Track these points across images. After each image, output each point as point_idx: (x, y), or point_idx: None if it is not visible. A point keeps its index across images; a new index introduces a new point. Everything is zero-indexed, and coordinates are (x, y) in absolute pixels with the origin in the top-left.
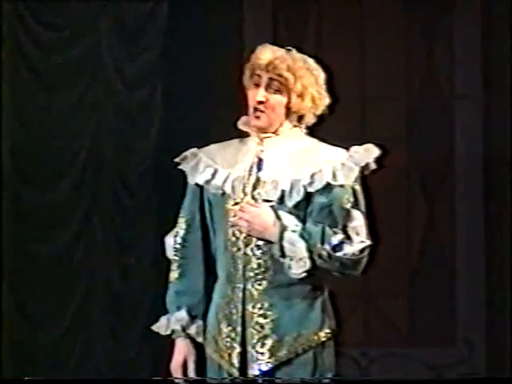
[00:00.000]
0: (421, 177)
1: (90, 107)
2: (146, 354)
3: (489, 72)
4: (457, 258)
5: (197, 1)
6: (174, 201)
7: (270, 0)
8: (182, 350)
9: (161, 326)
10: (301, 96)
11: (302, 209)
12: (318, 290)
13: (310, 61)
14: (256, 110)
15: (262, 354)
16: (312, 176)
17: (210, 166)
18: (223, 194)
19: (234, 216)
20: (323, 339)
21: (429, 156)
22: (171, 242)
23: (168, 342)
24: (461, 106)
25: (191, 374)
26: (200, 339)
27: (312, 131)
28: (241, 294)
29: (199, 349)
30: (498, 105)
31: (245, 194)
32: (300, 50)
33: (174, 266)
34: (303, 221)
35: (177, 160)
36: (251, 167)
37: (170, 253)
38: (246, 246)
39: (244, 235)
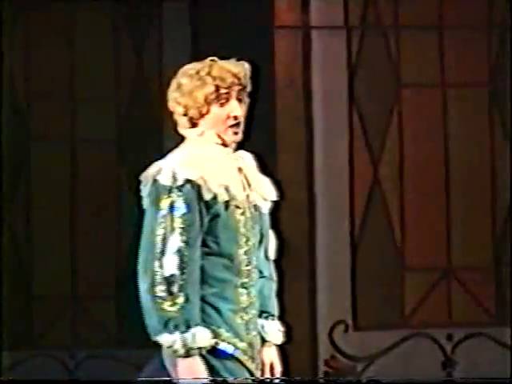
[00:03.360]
0: (131, 176)
1: None
2: None
3: None
4: None
5: None
6: None
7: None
8: (201, 368)
9: (176, 344)
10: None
11: None
12: None
13: None
14: (233, 126)
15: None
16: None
17: (220, 182)
18: (235, 205)
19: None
20: None
21: (139, 156)
22: (175, 260)
23: None
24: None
25: None
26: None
27: None
28: (255, 299)
29: None
30: None
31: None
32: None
33: (175, 287)
34: None
35: (180, 182)
36: (241, 178)
37: (173, 270)
38: (253, 249)
39: (254, 241)
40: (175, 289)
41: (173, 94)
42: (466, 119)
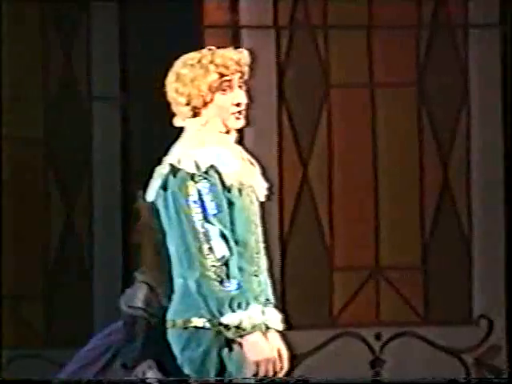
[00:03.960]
0: (59, 175)
1: None
2: None
3: (126, 73)
4: (95, 257)
5: None
6: None
7: None
8: (265, 342)
9: (244, 322)
10: None
11: None
12: None
13: None
14: (235, 112)
15: None
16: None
17: (234, 169)
18: (246, 193)
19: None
20: None
21: (67, 156)
22: (222, 242)
23: None
24: (98, 106)
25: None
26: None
27: None
28: (264, 286)
29: None
30: (136, 106)
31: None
32: None
33: (229, 267)
34: None
35: (204, 169)
36: (246, 166)
37: (224, 252)
38: (260, 236)
39: (259, 228)
40: (230, 268)
41: (172, 85)
42: (395, 119)
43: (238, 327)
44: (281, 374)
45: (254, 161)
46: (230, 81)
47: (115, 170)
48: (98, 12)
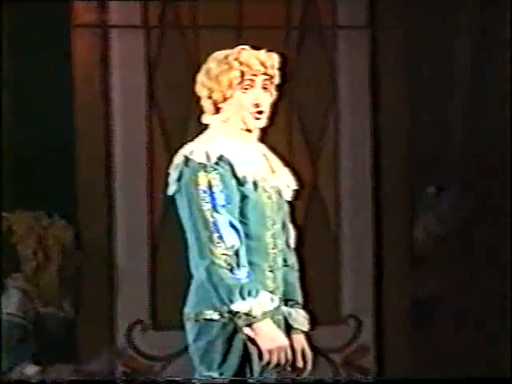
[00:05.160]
0: None
1: None
2: None
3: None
4: None
5: None
6: None
7: None
8: (275, 328)
9: (254, 309)
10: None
11: None
12: None
13: None
14: (253, 112)
15: None
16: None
17: (249, 163)
18: (263, 188)
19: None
20: None
21: None
22: (232, 231)
23: None
24: None
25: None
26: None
27: None
28: (280, 283)
29: None
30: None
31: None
32: None
33: (240, 255)
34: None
35: (214, 160)
36: (267, 163)
37: (234, 241)
38: (279, 233)
39: (279, 226)
40: (240, 257)
41: (201, 78)
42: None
43: (248, 314)
44: (304, 375)
45: (280, 161)
46: (252, 80)
47: None
48: None
